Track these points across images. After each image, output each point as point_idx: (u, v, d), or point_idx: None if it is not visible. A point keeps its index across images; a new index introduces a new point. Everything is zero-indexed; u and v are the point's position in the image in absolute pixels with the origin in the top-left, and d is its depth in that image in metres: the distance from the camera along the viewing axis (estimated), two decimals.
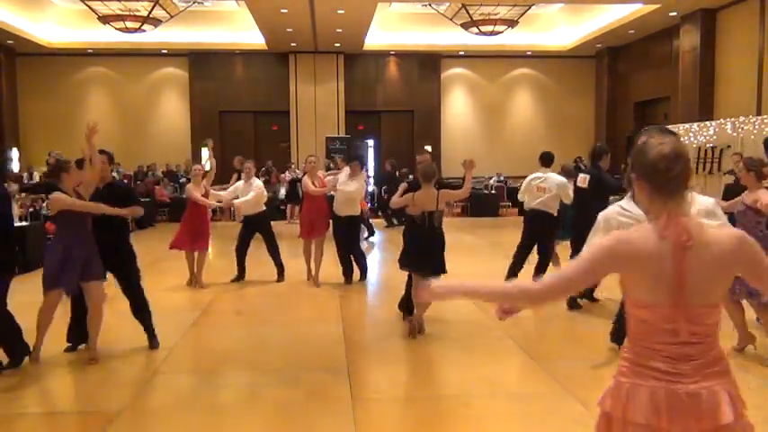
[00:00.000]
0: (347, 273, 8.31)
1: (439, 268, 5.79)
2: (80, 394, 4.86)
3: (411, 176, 11.48)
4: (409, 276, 6.23)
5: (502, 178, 19.02)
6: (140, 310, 5.67)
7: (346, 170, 8.29)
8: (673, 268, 1.80)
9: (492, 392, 4.68)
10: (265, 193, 8.80)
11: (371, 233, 13.01)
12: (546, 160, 7.63)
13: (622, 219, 4.63)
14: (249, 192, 8.33)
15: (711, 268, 1.82)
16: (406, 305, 6.34)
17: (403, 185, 6.38)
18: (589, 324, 6.52)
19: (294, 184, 15.44)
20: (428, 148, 19.22)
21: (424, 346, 5.77)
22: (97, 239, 5.26)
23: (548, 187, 7.36)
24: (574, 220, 7.14)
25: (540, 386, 4.77)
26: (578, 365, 5.20)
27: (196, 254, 8.17)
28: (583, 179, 7.03)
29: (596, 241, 1.96)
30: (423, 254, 5.84)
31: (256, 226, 8.48)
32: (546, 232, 7.41)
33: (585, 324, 6.55)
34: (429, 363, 5.54)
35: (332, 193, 8.32)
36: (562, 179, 7.57)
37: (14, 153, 18.28)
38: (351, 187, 8.01)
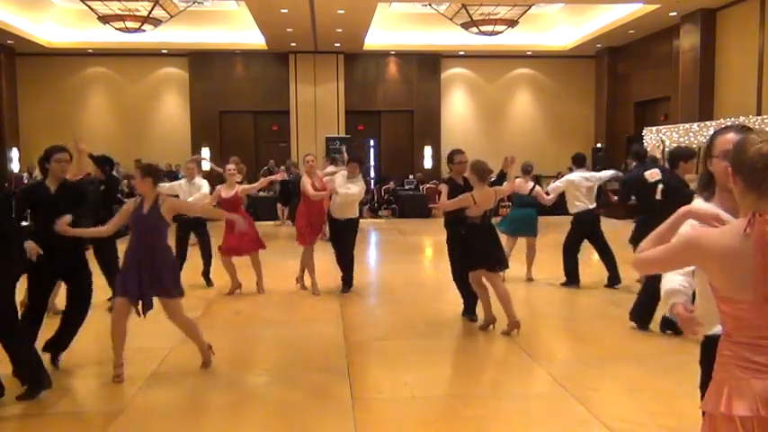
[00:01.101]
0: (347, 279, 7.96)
1: (504, 263, 6.03)
2: (80, 394, 4.86)
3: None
4: (464, 279, 6.20)
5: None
6: (75, 318, 5.24)
7: (343, 172, 7.91)
8: (755, 265, 1.82)
9: (492, 392, 4.68)
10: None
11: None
12: (581, 161, 8.27)
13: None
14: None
15: None
16: (469, 305, 6.43)
17: (445, 187, 6.29)
18: (589, 324, 6.52)
19: (286, 184, 15.30)
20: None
21: (424, 347, 5.77)
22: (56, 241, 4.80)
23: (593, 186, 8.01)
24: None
25: (540, 386, 4.77)
26: (578, 365, 5.20)
27: (249, 257, 7.80)
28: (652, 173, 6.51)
29: (683, 232, 2.05)
30: (493, 251, 5.88)
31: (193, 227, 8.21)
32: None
33: (586, 324, 6.55)
34: (429, 363, 5.54)
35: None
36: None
37: (14, 153, 18.29)
38: (353, 189, 7.65)
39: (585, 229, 8.02)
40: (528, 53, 20.31)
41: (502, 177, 6.59)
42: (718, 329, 2.20)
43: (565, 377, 4.84)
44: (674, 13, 15.38)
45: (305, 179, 7.69)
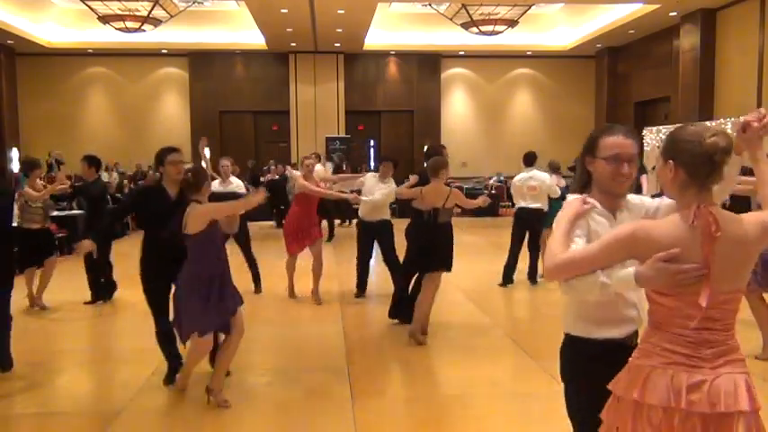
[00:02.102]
0: (362, 283, 7.67)
1: (442, 264, 5.70)
2: (80, 394, 4.86)
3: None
4: (415, 280, 6.09)
5: (502, 178, 19.00)
6: None
7: (370, 175, 7.53)
8: (700, 257, 1.84)
9: (492, 392, 4.68)
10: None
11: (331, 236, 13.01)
12: (530, 160, 8.27)
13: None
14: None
15: (737, 256, 1.88)
16: (403, 310, 6.13)
17: (414, 177, 6.20)
18: None
19: (274, 185, 14.79)
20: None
21: (424, 347, 5.76)
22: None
23: (537, 185, 8.02)
24: None
25: (540, 386, 4.77)
26: None
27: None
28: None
29: (621, 226, 2.02)
30: (426, 253, 5.69)
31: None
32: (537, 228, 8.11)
33: None
34: (429, 363, 5.54)
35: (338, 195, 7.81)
36: (547, 176, 8.31)
37: (15, 153, 18.29)
38: (376, 196, 7.14)
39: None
40: (528, 53, 20.30)
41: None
42: (578, 331, 2.28)
43: None
44: (674, 13, 15.38)
45: (301, 181, 7.25)
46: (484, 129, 21.13)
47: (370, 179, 7.41)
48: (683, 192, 1.92)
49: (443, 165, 5.77)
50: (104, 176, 17.56)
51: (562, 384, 2.41)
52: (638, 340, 2.05)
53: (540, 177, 8.19)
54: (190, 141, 20.06)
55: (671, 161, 1.92)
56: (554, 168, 9.13)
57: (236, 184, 7.81)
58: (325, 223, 12.68)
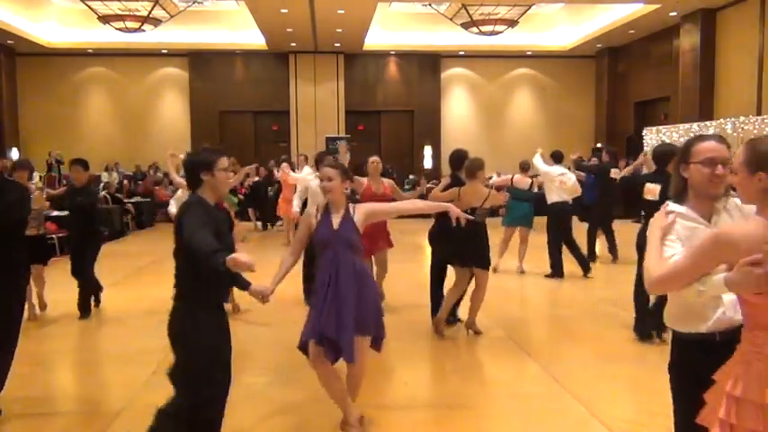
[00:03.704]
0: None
1: (483, 262, 5.84)
2: (80, 394, 4.86)
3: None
4: (434, 276, 6.24)
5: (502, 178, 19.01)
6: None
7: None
8: None
9: (492, 392, 4.67)
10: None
11: None
12: (558, 157, 9.19)
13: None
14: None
15: None
16: (436, 305, 6.25)
17: (445, 180, 6.25)
18: (589, 324, 6.52)
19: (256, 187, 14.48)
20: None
21: (424, 347, 5.77)
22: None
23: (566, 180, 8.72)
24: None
25: (540, 386, 4.77)
26: (578, 365, 5.20)
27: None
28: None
29: (704, 235, 2.16)
30: (465, 247, 5.71)
31: None
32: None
33: (585, 324, 6.55)
34: (429, 363, 5.54)
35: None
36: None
37: (14, 153, 18.28)
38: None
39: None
40: (528, 53, 20.30)
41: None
42: (691, 329, 2.36)
43: (565, 377, 4.83)
44: (674, 13, 15.37)
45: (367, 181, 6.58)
46: (484, 129, 21.13)
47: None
48: (765, 196, 2.04)
49: (481, 166, 5.88)
50: (104, 176, 17.60)
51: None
52: (740, 338, 2.14)
53: (569, 174, 9.06)
54: (190, 141, 20.08)
55: (761, 172, 2.04)
56: (524, 168, 9.44)
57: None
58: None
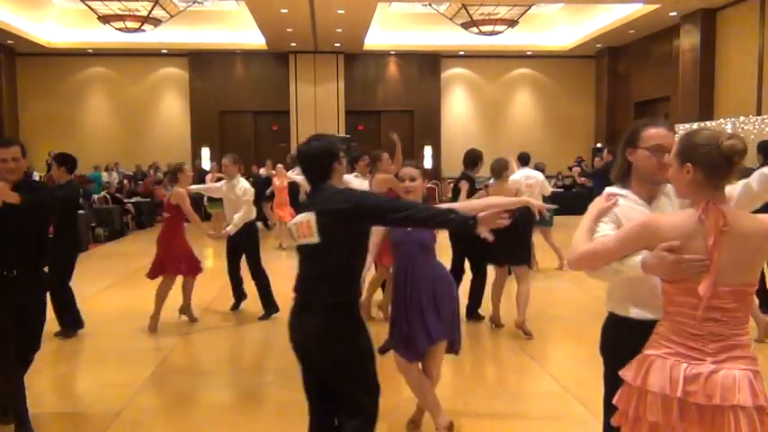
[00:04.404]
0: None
1: (525, 259, 6.02)
2: (80, 394, 4.86)
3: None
4: (477, 276, 6.35)
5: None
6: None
7: (352, 177, 6.85)
8: (706, 249, 1.94)
9: (492, 392, 4.67)
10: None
11: None
12: (524, 159, 8.85)
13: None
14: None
15: (744, 252, 1.97)
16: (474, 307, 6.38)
17: (465, 185, 6.30)
18: (589, 324, 6.51)
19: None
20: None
21: None
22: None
23: (533, 183, 8.44)
24: None
25: (540, 386, 4.77)
26: (578, 365, 5.20)
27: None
28: None
29: (633, 221, 2.16)
30: (509, 245, 5.74)
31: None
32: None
33: (586, 324, 6.54)
34: None
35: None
36: (540, 174, 8.86)
37: None
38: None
39: None
40: (528, 53, 20.30)
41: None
42: (619, 310, 2.41)
43: (565, 377, 4.83)
44: (674, 13, 15.37)
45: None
46: (484, 129, 21.12)
47: (353, 180, 6.78)
48: (697, 192, 2.03)
49: (506, 166, 6.08)
50: (104, 176, 17.61)
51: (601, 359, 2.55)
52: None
53: (534, 176, 8.70)
54: (190, 141, 20.11)
55: (689, 164, 2.03)
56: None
57: (241, 188, 6.59)
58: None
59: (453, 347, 3.70)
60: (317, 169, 2.85)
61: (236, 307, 7.00)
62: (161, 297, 6.23)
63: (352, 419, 2.81)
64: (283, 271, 7.74)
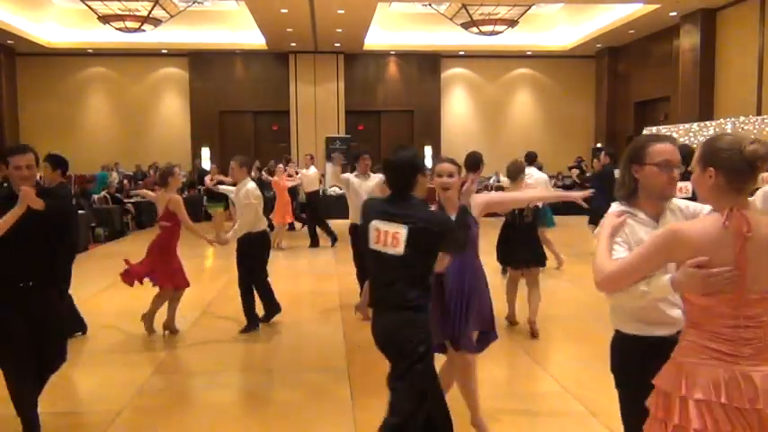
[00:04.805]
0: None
1: (540, 260, 6.17)
2: (80, 394, 4.86)
3: None
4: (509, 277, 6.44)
5: (502, 178, 18.99)
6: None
7: (352, 176, 6.85)
8: (733, 257, 1.93)
9: (492, 392, 4.67)
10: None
11: (334, 239, 11.70)
12: (529, 158, 9.03)
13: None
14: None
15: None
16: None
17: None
18: (589, 324, 6.51)
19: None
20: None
21: None
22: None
23: (533, 183, 8.35)
24: None
25: (540, 386, 4.77)
26: (578, 365, 5.20)
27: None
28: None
29: (657, 231, 2.14)
30: (523, 247, 6.03)
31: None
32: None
33: (586, 324, 6.54)
34: None
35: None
36: (543, 174, 9.08)
37: None
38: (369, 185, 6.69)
39: None
40: (528, 53, 20.30)
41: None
42: (628, 329, 2.41)
43: (565, 377, 4.83)
44: (674, 13, 15.37)
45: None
46: (484, 129, 21.13)
47: (353, 180, 6.77)
48: (720, 197, 2.02)
49: (522, 169, 6.21)
50: (113, 176, 17.59)
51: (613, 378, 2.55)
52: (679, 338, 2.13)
53: (535, 175, 8.74)
54: (190, 141, 20.12)
55: (711, 168, 2.02)
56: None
57: (245, 191, 6.16)
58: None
59: (485, 343, 3.90)
60: (402, 180, 3.03)
61: (246, 330, 6.23)
62: (156, 303, 6.10)
63: (391, 417, 3.10)
64: (282, 271, 7.74)
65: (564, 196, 3.79)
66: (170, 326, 6.12)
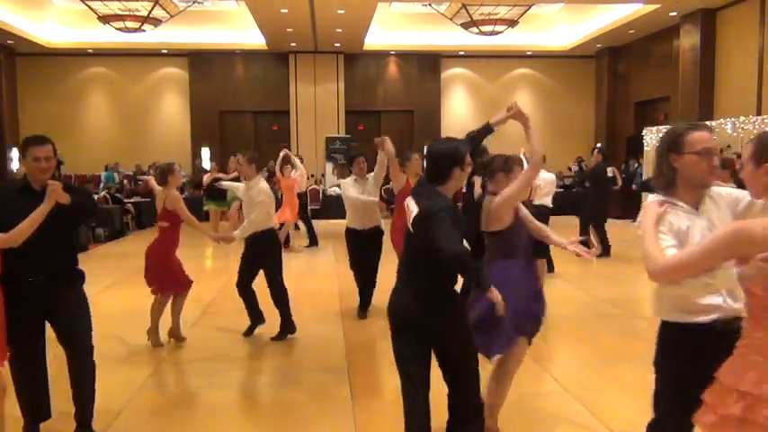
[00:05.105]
0: (367, 301, 6.89)
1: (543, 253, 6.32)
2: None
3: None
4: None
5: None
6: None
7: (349, 180, 6.79)
8: None
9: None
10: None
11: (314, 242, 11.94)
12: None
13: None
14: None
15: None
16: None
17: (478, 180, 6.07)
18: (589, 324, 6.52)
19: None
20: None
21: None
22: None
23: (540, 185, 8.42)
24: None
25: (540, 386, 4.77)
26: (578, 366, 5.20)
27: None
28: None
29: (722, 228, 2.14)
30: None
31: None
32: None
33: (586, 324, 6.55)
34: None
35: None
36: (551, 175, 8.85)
37: (15, 153, 18.29)
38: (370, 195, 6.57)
39: None
40: (528, 53, 20.30)
41: None
42: (672, 317, 2.37)
43: (565, 377, 4.84)
44: (674, 13, 15.37)
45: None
46: None
47: (350, 186, 6.63)
48: None
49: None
50: (115, 177, 17.60)
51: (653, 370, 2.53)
52: (742, 332, 2.11)
53: (542, 175, 8.53)
54: (190, 141, 20.11)
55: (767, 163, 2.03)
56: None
57: (257, 189, 5.87)
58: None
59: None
60: (436, 170, 3.07)
61: (249, 332, 6.11)
62: (157, 312, 5.80)
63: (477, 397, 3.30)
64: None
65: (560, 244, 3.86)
66: (176, 333, 5.91)
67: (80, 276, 3.89)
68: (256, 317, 6.10)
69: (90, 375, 3.86)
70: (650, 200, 2.37)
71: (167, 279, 5.72)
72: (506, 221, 3.60)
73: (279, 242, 6.11)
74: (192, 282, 5.92)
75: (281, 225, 10.26)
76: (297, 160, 11.20)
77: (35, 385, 3.80)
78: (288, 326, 6.05)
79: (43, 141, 3.55)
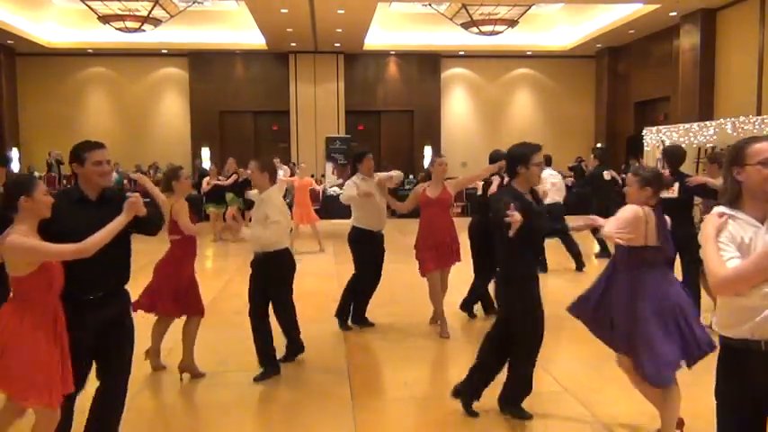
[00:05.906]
0: (364, 310, 6.55)
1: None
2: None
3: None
4: (484, 276, 6.40)
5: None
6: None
7: (354, 181, 6.31)
8: None
9: (492, 393, 4.67)
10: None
11: None
12: (548, 160, 9.36)
13: None
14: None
15: None
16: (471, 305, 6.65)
17: (497, 179, 6.22)
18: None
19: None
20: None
21: (424, 347, 5.77)
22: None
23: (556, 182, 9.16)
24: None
25: (540, 386, 4.76)
26: (578, 365, 5.20)
27: None
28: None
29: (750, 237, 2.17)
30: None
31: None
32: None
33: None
34: (429, 363, 5.54)
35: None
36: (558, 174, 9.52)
37: (14, 153, 18.29)
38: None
39: None
40: (528, 53, 20.30)
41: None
42: (737, 333, 2.27)
43: (565, 377, 4.84)
44: (674, 13, 15.38)
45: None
46: (484, 129, 21.13)
47: (350, 187, 6.25)
48: None
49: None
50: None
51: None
52: None
53: (553, 179, 9.28)
54: (190, 141, 20.13)
55: None
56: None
57: (273, 206, 5.09)
58: None
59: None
60: (508, 169, 3.91)
61: (261, 377, 5.04)
62: (158, 334, 5.23)
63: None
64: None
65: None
66: (189, 367, 5.03)
67: (129, 297, 3.67)
68: (269, 362, 5.06)
69: (118, 412, 3.71)
70: (713, 212, 2.35)
71: (173, 297, 5.00)
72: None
73: (293, 263, 5.19)
74: (202, 311, 5.20)
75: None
76: (280, 164, 11.21)
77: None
78: (295, 346, 5.43)
79: (101, 145, 3.41)
